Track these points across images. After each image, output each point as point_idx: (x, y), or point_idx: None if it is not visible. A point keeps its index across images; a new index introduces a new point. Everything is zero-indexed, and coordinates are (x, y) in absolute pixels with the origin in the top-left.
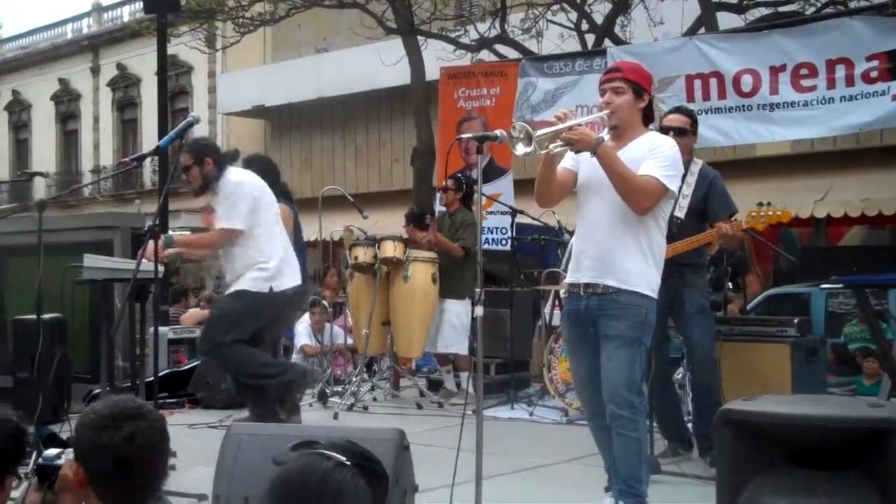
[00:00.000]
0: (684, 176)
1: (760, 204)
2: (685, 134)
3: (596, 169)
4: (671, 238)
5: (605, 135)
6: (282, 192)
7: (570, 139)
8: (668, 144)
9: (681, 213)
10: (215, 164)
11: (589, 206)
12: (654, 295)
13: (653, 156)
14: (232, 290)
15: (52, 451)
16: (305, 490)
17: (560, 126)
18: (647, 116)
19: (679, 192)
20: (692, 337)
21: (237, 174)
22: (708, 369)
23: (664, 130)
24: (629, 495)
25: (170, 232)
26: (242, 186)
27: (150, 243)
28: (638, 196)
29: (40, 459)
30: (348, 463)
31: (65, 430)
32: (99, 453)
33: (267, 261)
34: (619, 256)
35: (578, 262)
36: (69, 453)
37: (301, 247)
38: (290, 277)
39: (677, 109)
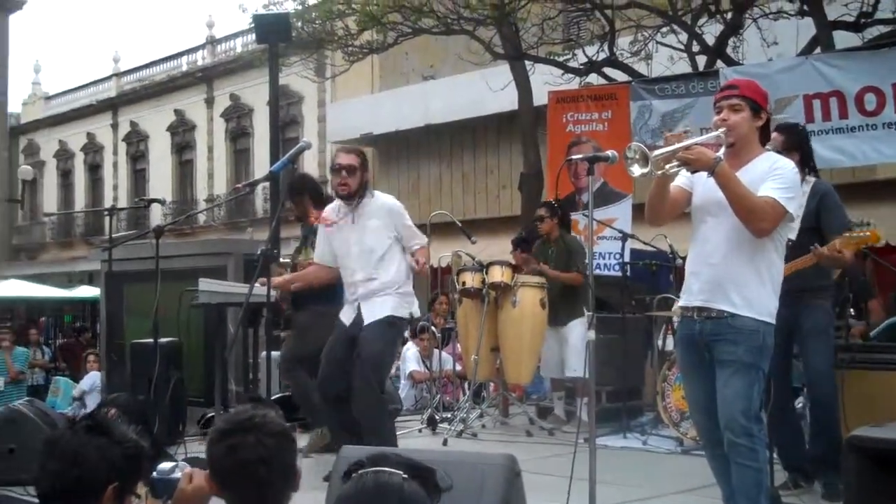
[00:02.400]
0: None
1: (864, 224)
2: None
3: (713, 190)
4: (785, 260)
5: (722, 154)
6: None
7: (687, 158)
8: (789, 166)
9: (792, 235)
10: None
11: (704, 229)
12: (772, 320)
13: (773, 177)
14: (381, 315)
15: (167, 465)
16: None
17: (677, 146)
18: (765, 136)
19: None
20: (810, 360)
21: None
22: (824, 392)
23: None
24: None
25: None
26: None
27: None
28: (757, 218)
29: (155, 473)
30: (407, 476)
31: (180, 452)
32: (210, 463)
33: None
34: (736, 281)
35: (690, 284)
36: (184, 466)
37: None
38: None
39: (777, 128)
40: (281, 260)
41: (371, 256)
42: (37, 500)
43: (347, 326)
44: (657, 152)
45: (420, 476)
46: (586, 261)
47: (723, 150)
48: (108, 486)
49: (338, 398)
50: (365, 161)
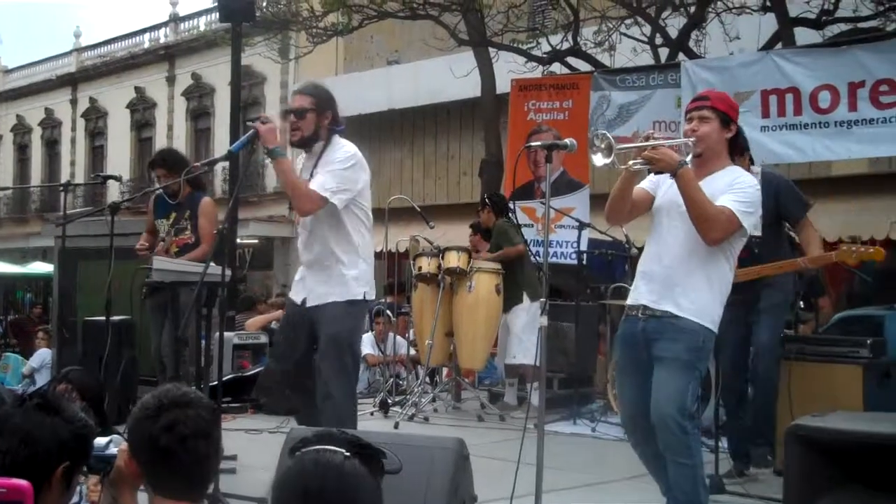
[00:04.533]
0: None
1: (852, 239)
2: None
3: (676, 194)
4: (754, 258)
5: (688, 161)
6: None
7: (652, 158)
8: (749, 182)
9: (758, 232)
10: (332, 122)
11: (661, 230)
12: (714, 328)
13: (732, 190)
14: (334, 298)
15: (102, 440)
16: (326, 488)
17: (644, 143)
18: (734, 148)
19: None
20: (759, 335)
21: (350, 144)
22: (765, 366)
23: None
24: None
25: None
26: (361, 160)
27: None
28: (710, 226)
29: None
30: (349, 454)
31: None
32: (144, 442)
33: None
34: (685, 284)
35: (639, 284)
36: (119, 441)
37: None
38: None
39: None
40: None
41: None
42: None
43: None
44: (624, 146)
45: (363, 454)
46: (518, 238)
47: (689, 157)
48: (58, 466)
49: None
50: (322, 101)
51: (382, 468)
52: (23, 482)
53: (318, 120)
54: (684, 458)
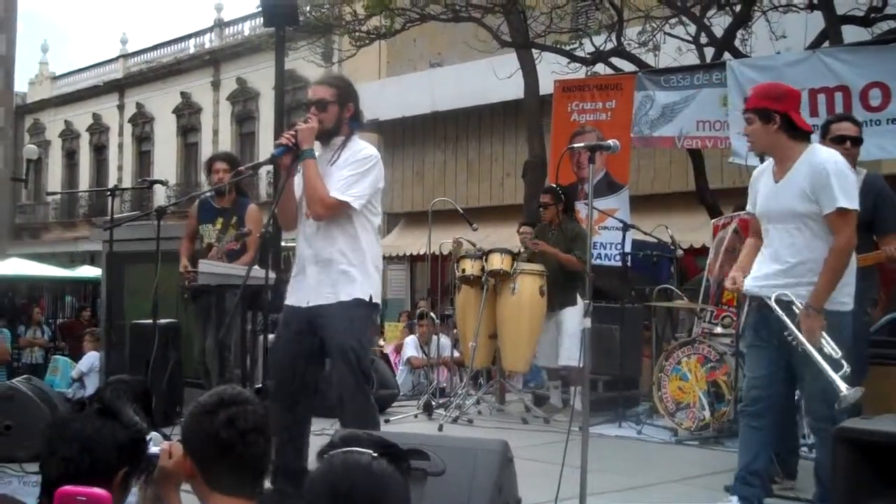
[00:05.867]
0: None
1: None
2: (859, 143)
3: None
4: None
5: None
6: None
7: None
8: (821, 166)
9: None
10: (354, 114)
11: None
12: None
13: (822, 187)
14: (341, 298)
15: None
16: (354, 489)
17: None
18: (792, 129)
19: None
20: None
21: (370, 146)
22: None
23: (840, 140)
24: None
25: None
26: (377, 162)
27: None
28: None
29: None
30: (376, 455)
31: (175, 434)
32: (203, 438)
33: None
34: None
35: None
36: (157, 438)
37: None
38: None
39: (846, 118)
40: None
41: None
42: (33, 476)
43: None
44: None
45: (390, 454)
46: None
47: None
48: (119, 471)
49: None
50: (344, 92)
51: (409, 468)
52: (102, 492)
53: (340, 113)
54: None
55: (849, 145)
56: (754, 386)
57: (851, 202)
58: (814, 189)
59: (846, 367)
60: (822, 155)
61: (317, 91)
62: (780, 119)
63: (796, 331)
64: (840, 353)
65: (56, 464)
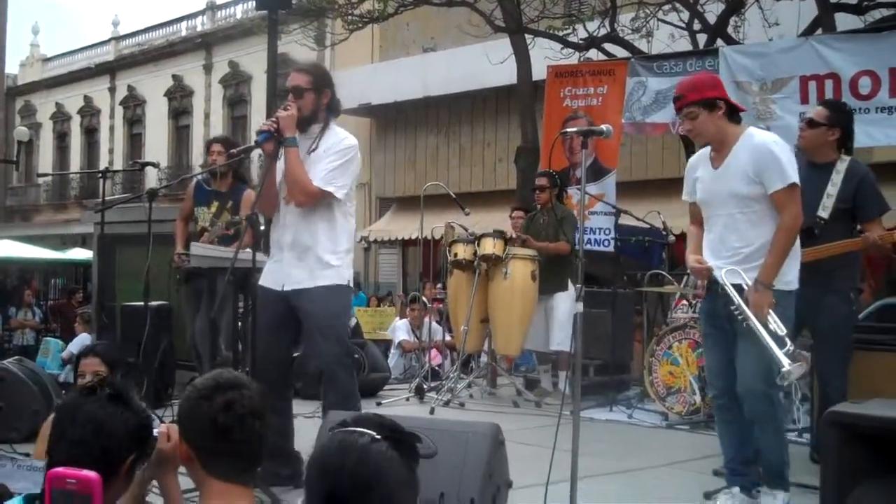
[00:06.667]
0: (829, 173)
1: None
2: (814, 126)
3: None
4: (814, 240)
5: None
6: None
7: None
8: (764, 147)
9: (825, 214)
10: (331, 101)
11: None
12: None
13: (766, 167)
14: (321, 283)
15: None
16: (345, 468)
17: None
18: (734, 113)
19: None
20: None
21: (350, 135)
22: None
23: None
24: (779, 484)
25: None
26: (357, 151)
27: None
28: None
29: None
30: (379, 437)
31: (167, 416)
32: (200, 423)
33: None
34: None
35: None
36: (156, 424)
37: None
38: None
39: (824, 103)
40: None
41: None
42: (23, 457)
43: None
44: None
45: (394, 438)
46: (578, 231)
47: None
48: (128, 457)
49: None
50: (319, 79)
51: (416, 453)
52: (91, 474)
53: (316, 99)
54: (770, 423)
55: (804, 126)
56: (715, 376)
57: (798, 178)
58: (758, 171)
59: (790, 345)
60: (760, 136)
61: (293, 78)
62: (724, 105)
63: (743, 305)
64: (785, 331)
65: (65, 447)
